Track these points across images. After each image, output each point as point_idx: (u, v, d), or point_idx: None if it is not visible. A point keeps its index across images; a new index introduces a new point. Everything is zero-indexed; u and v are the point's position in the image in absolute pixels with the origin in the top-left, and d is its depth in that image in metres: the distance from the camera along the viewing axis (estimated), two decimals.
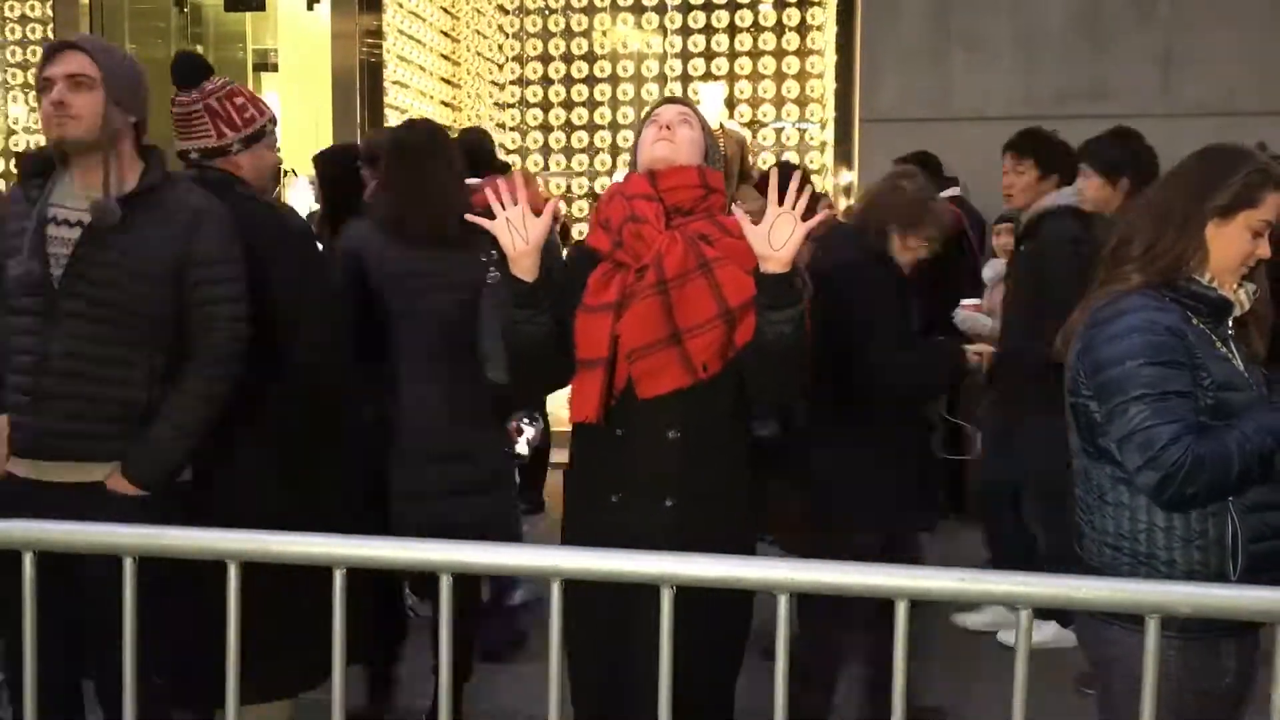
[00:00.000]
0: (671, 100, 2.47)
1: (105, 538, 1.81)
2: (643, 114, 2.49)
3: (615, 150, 9.32)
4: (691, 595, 1.62)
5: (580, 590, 1.67)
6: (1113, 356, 2.09)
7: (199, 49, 12.14)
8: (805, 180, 2.16)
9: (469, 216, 2.41)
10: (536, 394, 2.45)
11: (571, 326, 2.30)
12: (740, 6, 9.15)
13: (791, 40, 9.12)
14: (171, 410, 2.60)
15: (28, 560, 1.75)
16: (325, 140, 9.10)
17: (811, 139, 9.21)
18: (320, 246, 3.44)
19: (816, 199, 6.36)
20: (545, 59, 9.64)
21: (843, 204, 7.68)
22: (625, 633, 2.19)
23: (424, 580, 3.39)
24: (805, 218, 2.10)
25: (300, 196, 14.73)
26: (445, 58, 9.37)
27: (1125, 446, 2.06)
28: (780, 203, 2.10)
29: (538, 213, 2.26)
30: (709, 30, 9.22)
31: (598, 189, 9.12)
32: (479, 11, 9.74)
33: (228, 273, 2.67)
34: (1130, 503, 2.12)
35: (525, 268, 2.26)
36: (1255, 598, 1.60)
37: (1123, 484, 2.12)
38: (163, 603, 2.03)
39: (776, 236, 2.09)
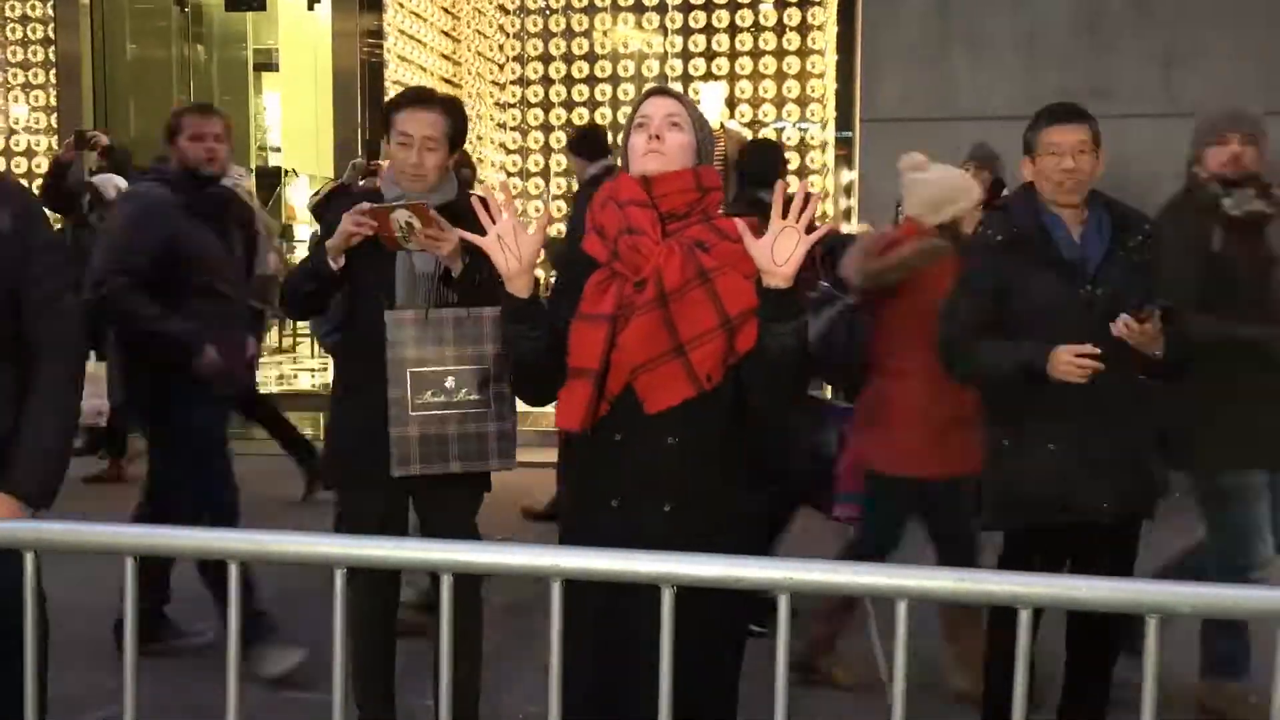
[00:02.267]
0: (658, 92, 2.39)
1: (107, 537, 1.81)
2: (631, 106, 2.43)
3: (617, 151, 9.32)
4: (690, 596, 1.62)
5: (579, 592, 1.67)
6: None
7: (200, 49, 12.15)
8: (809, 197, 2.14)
9: (463, 235, 2.41)
10: (539, 401, 2.44)
11: (567, 332, 2.29)
12: (741, 6, 9.16)
13: (792, 40, 9.12)
14: (48, 413, 2.46)
15: (29, 560, 1.75)
16: (326, 140, 9.11)
17: (812, 139, 9.21)
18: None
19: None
20: (546, 59, 9.65)
21: (843, 204, 7.69)
22: (624, 634, 2.19)
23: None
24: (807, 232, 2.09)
25: (299, 195, 14.72)
26: (446, 58, 9.37)
27: None
28: (784, 216, 2.09)
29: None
30: (710, 30, 9.22)
31: None
32: (480, 11, 9.75)
33: (64, 256, 2.70)
34: None
35: (520, 285, 2.26)
36: (1257, 597, 1.60)
37: None
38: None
39: (780, 251, 2.08)
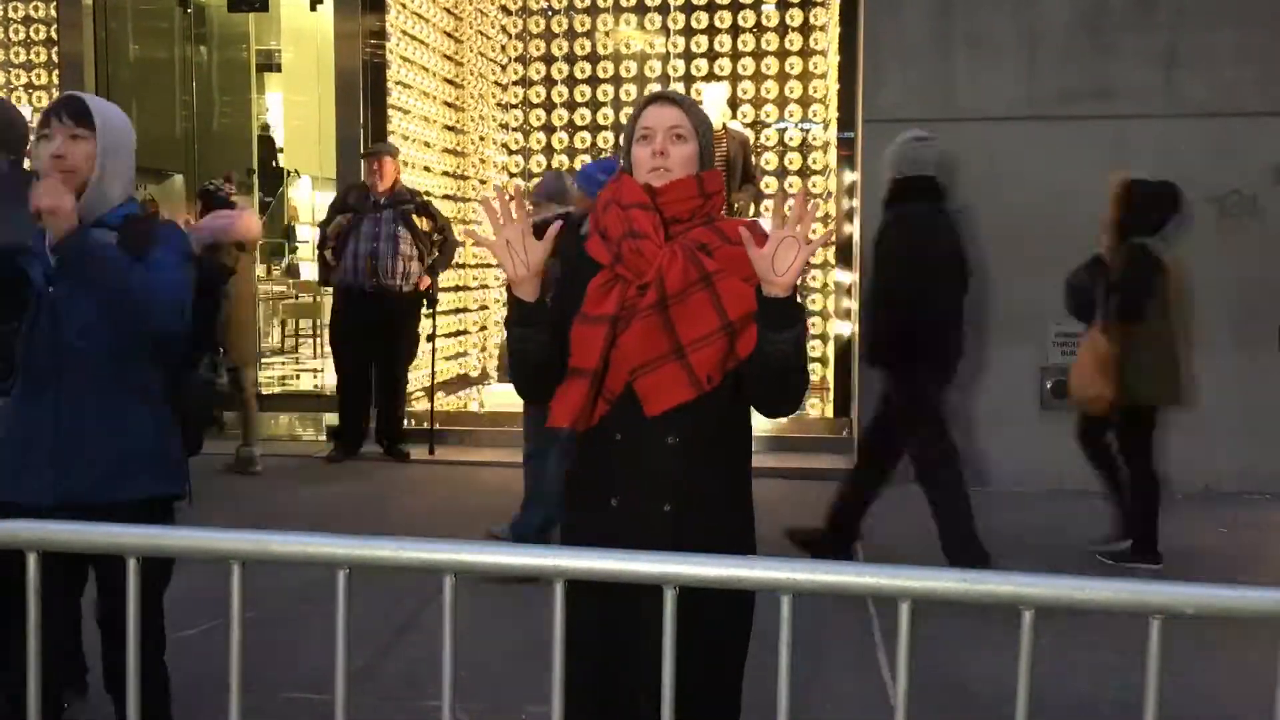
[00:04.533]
0: (659, 99, 2.38)
1: (108, 538, 1.81)
2: (633, 109, 2.42)
3: (619, 151, 9.32)
4: (693, 597, 1.62)
5: (580, 592, 1.67)
6: None
7: (202, 49, 12.16)
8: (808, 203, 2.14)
9: (468, 233, 2.39)
10: (538, 398, 2.44)
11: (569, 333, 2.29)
12: (743, 7, 9.16)
13: (794, 40, 9.12)
14: None
15: (32, 560, 1.75)
16: (328, 141, 9.12)
17: (814, 139, 9.21)
18: None
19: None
20: (548, 59, 9.65)
21: (845, 205, 7.68)
22: (625, 635, 2.19)
23: None
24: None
25: (303, 197, 14.71)
26: (448, 58, 9.37)
27: None
28: (782, 226, 2.09)
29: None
30: (712, 30, 9.22)
31: None
32: (482, 12, 9.75)
33: None
34: None
35: (527, 290, 2.26)
36: (1262, 598, 1.59)
37: None
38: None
39: (780, 261, 2.09)
